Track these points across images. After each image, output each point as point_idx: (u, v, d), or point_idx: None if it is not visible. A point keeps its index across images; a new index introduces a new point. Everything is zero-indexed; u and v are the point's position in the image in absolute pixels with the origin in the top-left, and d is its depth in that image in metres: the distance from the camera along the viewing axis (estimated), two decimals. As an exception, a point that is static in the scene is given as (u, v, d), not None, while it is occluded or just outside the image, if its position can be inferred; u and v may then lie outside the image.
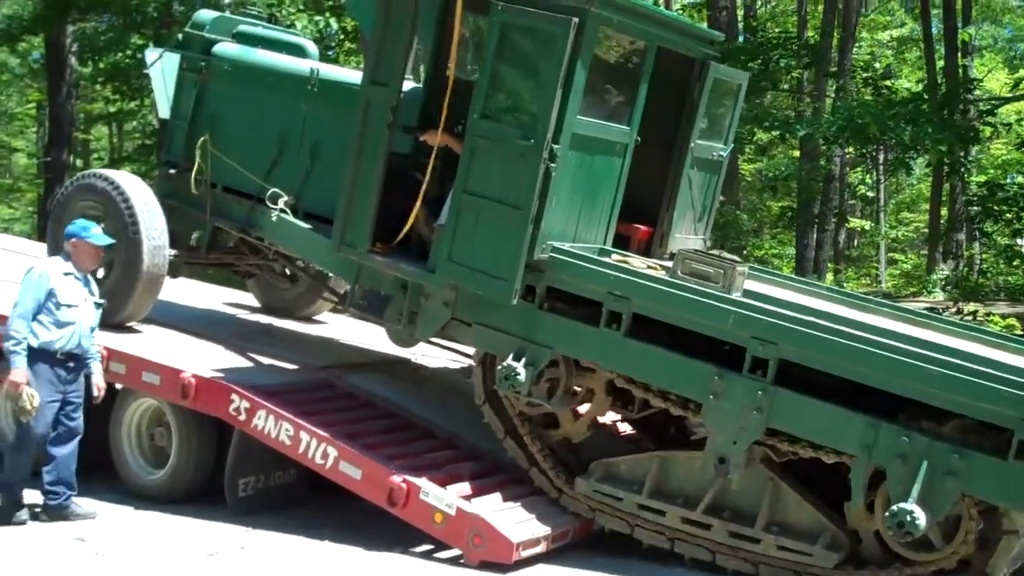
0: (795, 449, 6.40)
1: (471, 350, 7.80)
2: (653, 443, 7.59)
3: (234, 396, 7.51)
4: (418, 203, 7.33)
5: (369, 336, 9.84)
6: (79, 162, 29.08)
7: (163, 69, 9.19)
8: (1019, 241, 18.06)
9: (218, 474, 7.74)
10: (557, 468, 7.20)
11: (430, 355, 9.51)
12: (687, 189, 7.86)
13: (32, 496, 7.23)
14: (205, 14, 9.32)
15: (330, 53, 18.96)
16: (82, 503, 7.27)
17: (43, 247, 12.00)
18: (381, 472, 7.01)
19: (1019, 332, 13.51)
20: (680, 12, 28.56)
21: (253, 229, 8.52)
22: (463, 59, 8.19)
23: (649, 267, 7.00)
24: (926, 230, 24.48)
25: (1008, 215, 16.79)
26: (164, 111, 9.22)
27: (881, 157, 24.02)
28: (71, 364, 7.16)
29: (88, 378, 7.29)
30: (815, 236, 20.29)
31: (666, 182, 7.81)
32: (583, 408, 7.41)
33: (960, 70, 19.60)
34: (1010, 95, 20.84)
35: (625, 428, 8.40)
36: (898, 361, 5.98)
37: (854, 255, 28.35)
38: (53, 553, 6.64)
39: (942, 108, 16.90)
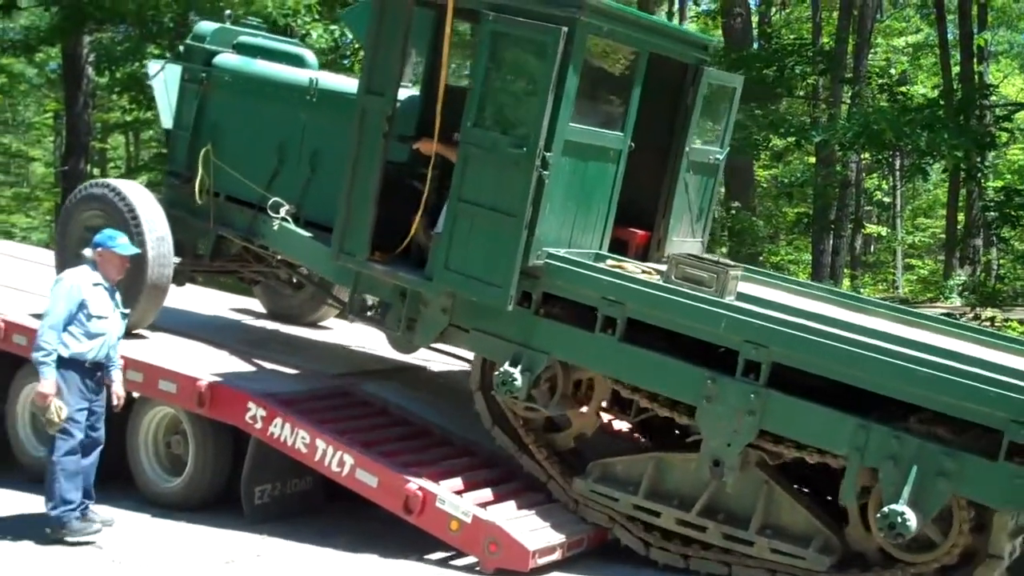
0: (780, 450, 6.43)
1: (471, 355, 7.83)
2: (654, 446, 7.62)
3: (250, 404, 7.54)
4: (419, 212, 7.39)
5: (377, 342, 9.86)
6: (96, 171, 29.16)
7: (165, 80, 9.31)
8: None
9: (234, 482, 7.76)
10: (552, 458, 7.29)
11: (447, 363, 9.51)
12: (683, 193, 7.93)
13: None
14: (206, 26, 9.41)
15: (345, 62, 19.04)
16: (99, 511, 7.29)
17: (40, 251, 12.14)
18: (397, 480, 7.02)
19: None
20: (694, 19, 28.60)
21: (256, 237, 8.63)
22: (457, 68, 8.26)
23: (644, 272, 7.06)
24: (943, 236, 24.38)
25: (1025, 220, 16.73)
26: (167, 122, 9.32)
27: (897, 163, 23.94)
28: (98, 374, 7.16)
29: (108, 387, 7.29)
30: (831, 242, 20.23)
31: (662, 187, 7.89)
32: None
33: (976, 76, 19.54)
34: (1026, 100, 20.78)
35: (621, 426, 8.43)
36: (886, 363, 6.01)
37: (871, 261, 28.26)
38: (71, 560, 6.68)
39: (958, 114, 16.83)
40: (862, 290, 21.58)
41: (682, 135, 7.78)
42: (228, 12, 9.69)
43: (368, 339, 9.99)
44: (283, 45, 9.66)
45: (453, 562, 6.95)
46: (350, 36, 17.66)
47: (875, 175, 27.18)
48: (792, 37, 23.16)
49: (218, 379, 7.77)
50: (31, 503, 7.47)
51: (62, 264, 8.77)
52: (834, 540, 6.49)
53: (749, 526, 6.58)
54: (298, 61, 9.38)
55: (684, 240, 8.07)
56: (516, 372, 6.91)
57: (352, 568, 6.85)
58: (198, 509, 7.85)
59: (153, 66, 9.67)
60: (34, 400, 6.87)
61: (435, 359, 9.48)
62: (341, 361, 9.16)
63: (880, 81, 20.21)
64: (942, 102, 17.80)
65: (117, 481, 7.93)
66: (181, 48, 9.35)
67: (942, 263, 23.50)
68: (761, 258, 20.85)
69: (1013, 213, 16.83)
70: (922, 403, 5.95)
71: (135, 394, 8.10)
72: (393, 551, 7.11)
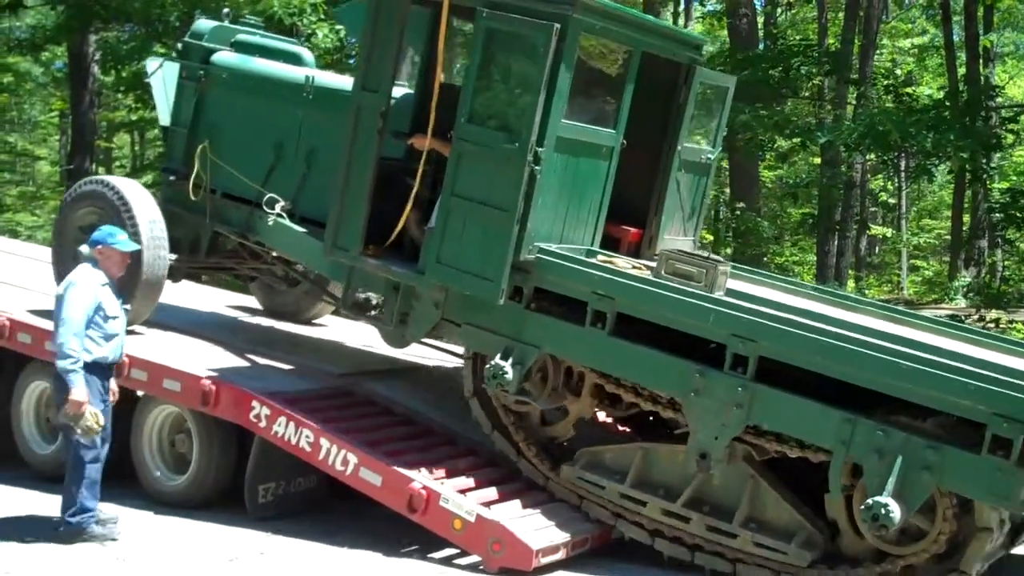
0: (764, 443, 6.49)
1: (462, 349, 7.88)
2: (643, 437, 7.66)
3: (255, 403, 7.55)
4: (408, 206, 7.45)
5: (381, 341, 9.87)
6: (101, 170, 29.18)
7: (164, 78, 9.37)
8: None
9: (239, 480, 7.76)
10: (542, 455, 7.34)
11: (454, 363, 9.51)
12: (675, 191, 8.00)
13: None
14: (204, 24, 9.46)
15: (350, 62, 19.04)
16: (103, 508, 7.29)
17: (43, 250, 12.15)
18: (401, 479, 7.03)
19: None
20: (700, 20, 28.58)
21: (251, 234, 8.68)
22: (452, 65, 8.31)
23: (634, 267, 7.12)
24: (948, 237, 24.36)
25: (1030, 222, 16.72)
26: (165, 119, 9.35)
27: (902, 164, 23.94)
28: (111, 374, 7.14)
29: None
30: (836, 243, 20.22)
31: (655, 185, 7.95)
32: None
33: (982, 77, 19.51)
34: (1032, 101, 20.75)
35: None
36: (870, 356, 6.06)
37: (875, 262, 28.24)
38: (74, 558, 6.68)
39: (964, 115, 16.82)
40: (867, 291, 21.57)
41: (674, 134, 7.87)
42: (226, 10, 9.72)
43: (372, 338, 10.00)
44: (280, 43, 9.72)
45: (457, 561, 6.94)
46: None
47: (880, 176, 27.16)
48: (798, 38, 23.17)
49: (222, 378, 7.78)
50: (36, 501, 7.49)
51: (59, 260, 8.81)
52: (817, 536, 6.54)
53: (733, 519, 6.65)
54: (295, 59, 9.43)
55: (676, 238, 8.15)
56: (507, 365, 6.98)
57: (356, 567, 6.85)
58: (202, 507, 7.85)
59: (151, 63, 9.75)
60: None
61: (438, 358, 9.48)
62: (345, 360, 9.17)
63: (886, 82, 20.21)
64: (948, 103, 17.80)
65: (121, 479, 7.93)
66: (179, 46, 9.40)
67: (947, 264, 23.48)
68: (766, 259, 20.84)
69: (1018, 215, 16.83)
70: (906, 397, 6.00)
71: (139, 392, 8.11)
72: (397, 550, 7.11)
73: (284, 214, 8.18)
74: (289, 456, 7.51)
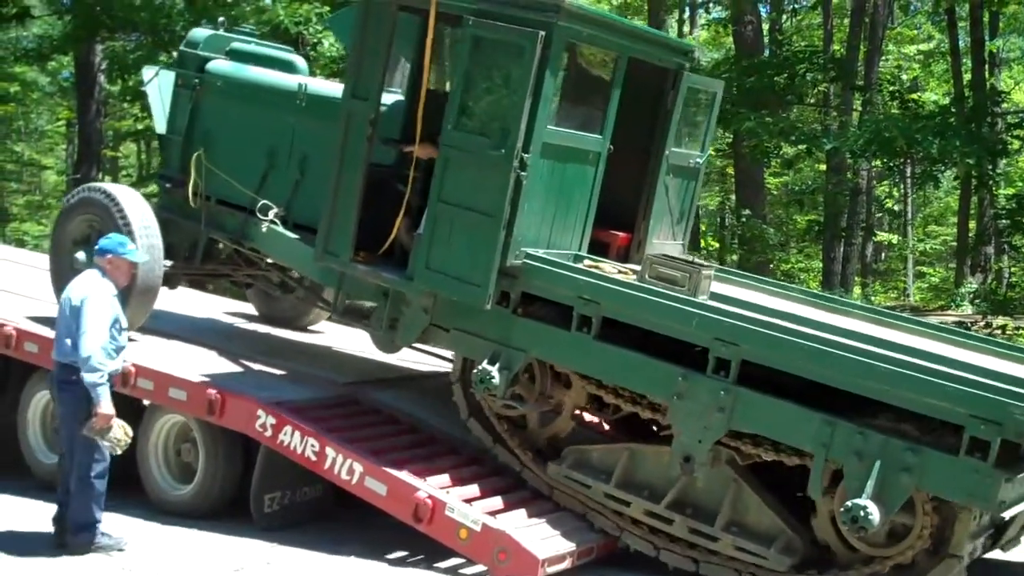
0: (739, 444, 6.53)
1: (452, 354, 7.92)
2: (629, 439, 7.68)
3: (260, 412, 7.55)
4: (401, 213, 7.51)
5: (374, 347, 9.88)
6: (108, 179, 29.26)
7: (160, 86, 9.43)
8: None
9: (244, 490, 7.76)
10: (525, 447, 7.43)
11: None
12: (663, 196, 8.06)
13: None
14: (199, 32, 9.52)
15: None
16: (105, 518, 7.27)
17: (36, 256, 12.18)
18: (406, 488, 7.03)
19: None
20: (705, 27, 28.57)
21: (246, 240, 8.75)
22: (440, 72, 8.37)
23: (620, 272, 7.17)
24: (954, 243, 24.31)
25: (1037, 228, 16.70)
26: (161, 127, 9.42)
27: (908, 170, 23.88)
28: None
29: None
30: (842, 250, 20.20)
31: (643, 189, 8.00)
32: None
33: (987, 83, 19.48)
34: (1038, 107, 20.72)
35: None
36: (849, 359, 6.08)
37: (881, 269, 28.20)
38: (81, 568, 6.69)
39: (969, 121, 16.80)
40: (873, 298, 21.53)
41: (662, 139, 7.92)
42: (221, 19, 9.79)
43: (369, 345, 10.00)
44: (275, 51, 9.79)
45: (462, 571, 6.94)
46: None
47: (886, 183, 27.11)
48: (803, 44, 23.13)
49: (228, 387, 7.79)
50: (43, 511, 7.48)
51: (57, 267, 8.85)
52: (797, 541, 6.56)
53: (715, 522, 6.68)
54: (289, 67, 9.49)
55: (664, 242, 8.20)
56: (494, 370, 7.04)
57: (361, 576, 6.86)
58: (208, 517, 7.85)
59: (147, 72, 9.80)
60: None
61: (443, 366, 9.47)
62: (350, 369, 9.18)
63: (891, 88, 20.19)
64: (953, 109, 17.77)
65: (127, 489, 7.93)
66: (175, 54, 9.45)
67: (953, 271, 23.43)
68: (772, 266, 20.82)
69: (1024, 221, 16.81)
70: (885, 399, 6.03)
71: (145, 401, 8.12)
72: (402, 559, 7.11)
73: (278, 221, 8.23)
74: (295, 465, 7.51)
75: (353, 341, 10.16)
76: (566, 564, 6.82)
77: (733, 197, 24.14)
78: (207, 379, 7.89)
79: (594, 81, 7.70)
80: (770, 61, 19.82)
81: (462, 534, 6.81)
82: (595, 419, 8.25)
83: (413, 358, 9.45)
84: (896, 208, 28.44)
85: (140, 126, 26.95)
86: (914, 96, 20.69)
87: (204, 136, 8.93)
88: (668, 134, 7.89)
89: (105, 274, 7.03)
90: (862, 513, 5.90)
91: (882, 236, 26.58)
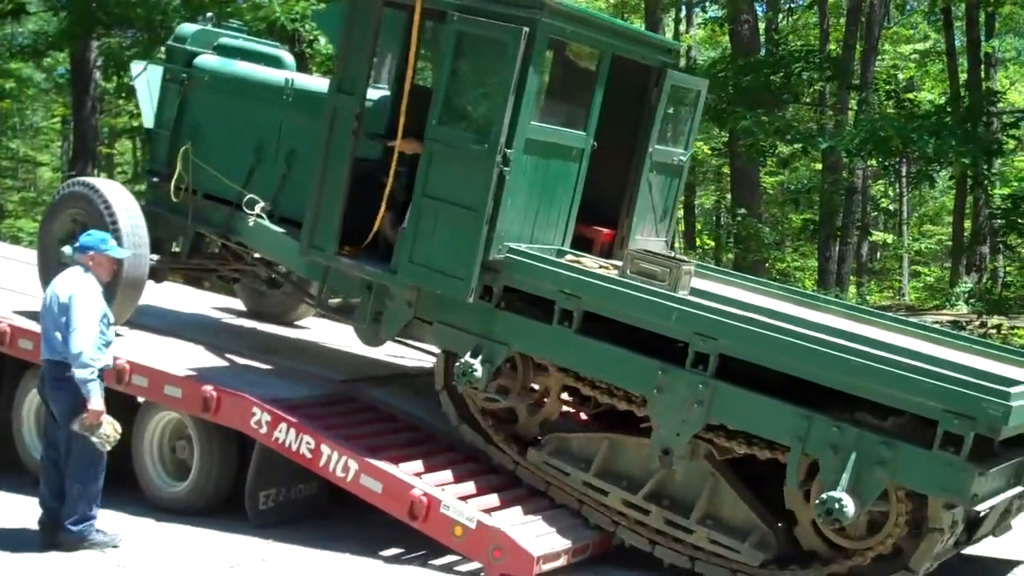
0: (712, 437, 6.58)
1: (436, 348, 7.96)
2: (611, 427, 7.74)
3: (255, 409, 7.54)
4: (383, 207, 7.53)
5: (383, 347, 9.87)
6: (103, 175, 29.23)
7: (148, 81, 9.47)
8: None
9: (239, 487, 7.75)
10: (510, 441, 7.47)
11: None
12: (647, 193, 8.10)
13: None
14: (187, 28, 9.55)
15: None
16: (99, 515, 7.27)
17: (31, 253, 12.15)
18: (402, 485, 7.03)
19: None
20: (701, 26, 28.57)
21: (232, 234, 8.77)
22: (426, 67, 8.41)
23: (601, 267, 7.21)
24: (949, 243, 24.35)
25: (1032, 228, 16.72)
26: (149, 121, 9.44)
27: (904, 170, 23.92)
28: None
29: None
30: (837, 249, 20.21)
31: (627, 186, 8.05)
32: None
33: (983, 83, 19.50)
34: (1034, 107, 20.73)
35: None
36: (824, 353, 6.13)
37: (877, 268, 28.23)
38: (75, 565, 6.68)
39: (965, 121, 16.83)
40: (868, 297, 21.56)
41: (646, 136, 7.95)
42: (208, 14, 9.81)
43: (352, 339, 10.01)
44: (262, 46, 9.82)
45: (458, 568, 6.94)
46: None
47: (881, 182, 27.13)
48: (799, 43, 23.16)
49: (223, 384, 7.77)
50: (36, 509, 7.47)
51: (44, 262, 8.87)
52: (771, 536, 6.60)
53: (691, 515, 6.72)
54: (276, 62, 9.52)
55: (648, 239, 8.24)
56: (476, 363, 7.09)
57: (356, 573, 6.85)
58: (203, 514, 7.84)
59: (136, 67, 9.84)
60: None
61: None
62: (346, 366, 9.17)
63: (887, 88, 20.23)
64: (949, 109, 17.80)
65: (122, 486, 7.93)
66: (163, 49, 9.47)
67: (948, 270, 23.46)
68: (767, 265, 20.83)
69: (1020, 220, 16.85)
70: (860, 393, 6.06)
71: (140, 399, 8.11)
72: (398, 557, 7.11)
73: (264, 215, 8.25)
74: (290, 463, 7.50)
75: (341, 336, 10.16)
76: (561, 561, 6.82)
77: (729, 196, 24.16)
78: (202, 376, 7.88)
79: (578, 78, 7.75)
80: (766, 60, 19.86)
81: (457, 531, 6.81)
82: (573, 410, 8.30)
83: (409, 355, 9.45)
84: (892, 207, 28.47)
85: (135, 123, 26.87)
86: (910, 96, 20.73)
87: (191, 130, 8.97)
88: (652, 131, 7.93)
89: (87, 270, 7.03)
90: (837, 505, 5.95)
91: (877, 235, 26.60)
